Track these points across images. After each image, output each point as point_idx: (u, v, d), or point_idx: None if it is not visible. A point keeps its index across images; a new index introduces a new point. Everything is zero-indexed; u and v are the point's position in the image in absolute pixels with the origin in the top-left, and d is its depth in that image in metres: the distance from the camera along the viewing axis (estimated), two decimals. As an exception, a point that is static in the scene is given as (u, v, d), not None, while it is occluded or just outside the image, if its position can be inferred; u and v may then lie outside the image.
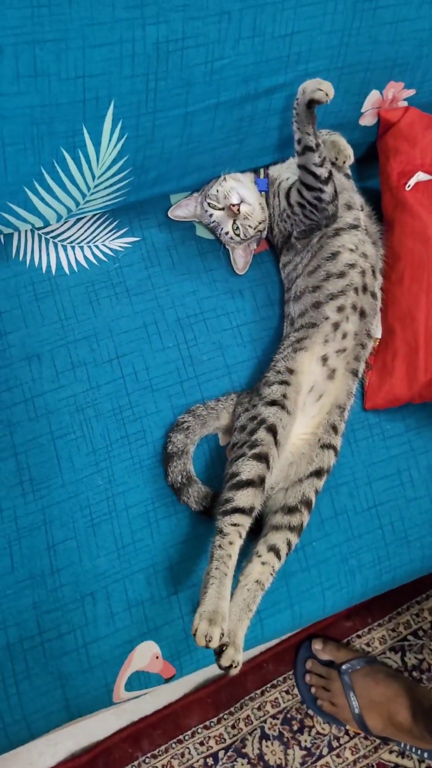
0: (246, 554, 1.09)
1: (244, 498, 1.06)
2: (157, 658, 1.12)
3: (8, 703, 1.05)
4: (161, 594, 1.13)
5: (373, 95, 1.30)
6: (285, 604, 1.19)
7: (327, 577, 1.21)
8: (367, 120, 1.35)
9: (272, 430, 1.11)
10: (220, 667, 0.97)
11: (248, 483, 1.07)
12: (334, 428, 1.18)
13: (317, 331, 1.19)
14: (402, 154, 1.30)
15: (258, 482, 1.08)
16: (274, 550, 1.09)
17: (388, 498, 1.26)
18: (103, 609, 1.11)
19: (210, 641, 0.94)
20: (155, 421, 1.20)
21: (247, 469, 1.08)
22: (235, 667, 0.98)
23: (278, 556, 1.09)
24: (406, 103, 1.35)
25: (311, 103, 1.13)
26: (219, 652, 0.98)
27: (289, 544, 1.11)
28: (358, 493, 1.25)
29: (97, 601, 1.11)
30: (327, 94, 1.12)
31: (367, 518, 1.25)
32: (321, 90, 1.11)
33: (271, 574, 1.08)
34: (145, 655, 1.11)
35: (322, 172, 1.17)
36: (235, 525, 1.04)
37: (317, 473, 1.15)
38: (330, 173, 1.18)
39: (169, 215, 1.31)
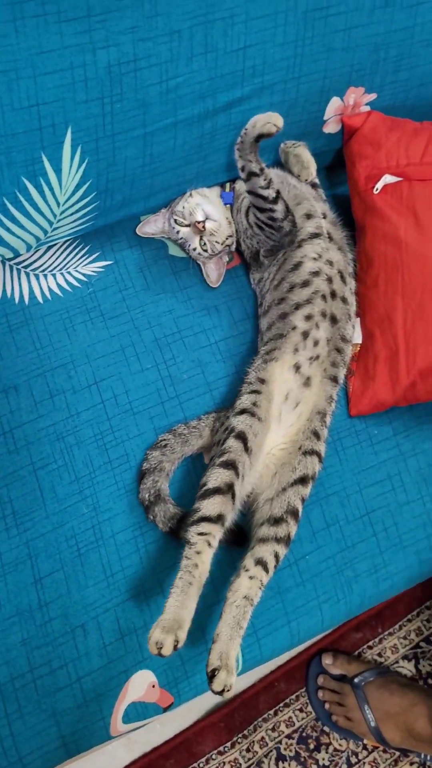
0: (234, 570, 1.07)
1: (210, 506, 1.05)
2: (153, 687, 1.10)
3: (2, 745, 1.03)
4: (154, 620, 1.09)
5: (334, 102, 1.30)
6: (281, 622, 1.16)
7: (323, 590, 1.19)
8: (331, 127, 1.35)
9: (241, 437, 1.10)
10: (212, 691, 0.95)
11: (215, 491, 1.06)
12: (316, 434, 1.17)
13: (285, 341, 1.18)
14: (367, 159, 1.29)
15: (225, 489, 1.06)
16: (261, 563, 1.07)
17: (380, 504, 1.24)
18: (95, 640, 1.09)
19: (161, 648, 0.93)
20: (138, 444, 1.19)
21: (214, 477, 1.07)
22: (228, 690, 0.96)
23: (266, 570, 1.07)
24: (368, 108, 1.35)
25: (259, 137, 1.16)
26: (211, 676, 0.96)
27: (276, 556, 1.08)
28: (349, 502, 1.23)
29: (88, 632, 1.09)
30: (277, 127, 1.15)
31: (359, 526, 1.22)
32: (270, 123, 1.15)
33: (260, 588, 1.06)
34: (141, 685, 1.09)
35: (270, 193, 1.18)
36: (202, 534, 1.03)
37: (302, 480, 1.13)
38: (278, 192, 1.19)
39: (138, 232, 1.31)
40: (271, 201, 1.18)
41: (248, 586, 1.05)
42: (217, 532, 1.04)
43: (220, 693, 0.95)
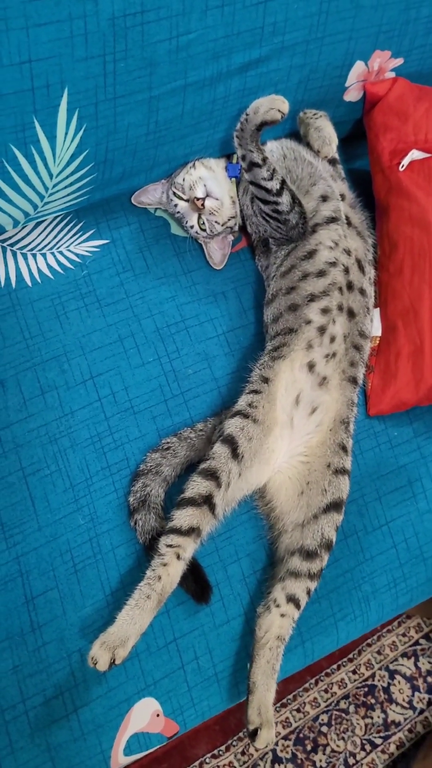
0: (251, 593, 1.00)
1: (182, 518, 0.98)
2: (157, 716, 1.01)
3: (-9, 785, 0.94)
4: (158, 643, 1.02)
5: (358, 67, 1.20)
6: (295, 642, 1.08)
7: (339, 607, 1.11)
8: (352, 95, 1.25)
9: (229, 442, 1.02)
10: (256, 749, 0.91)
11: (189, 501, 0.99)
12: (343, 448, 1.08)
13: (297, 337, 1.09)
14: (393, 131, 1.18)
15: (200, 501, 0.99)
16: (293, 600, 1.00)
17: (399, 513, 1.16)
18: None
19: (96, 664, 0.89)
20: (139, 447, 1.10)
21: (191, 486, 1.00)
22: (270, 744, 0.94)
23: (298, 607, 1.01)
24: (393, 74, 1.24)
25: (262, 125, 1.06)
26: (253, 734, 0.92)
27: (308, 592, 1.02)
28: (368, 511, 1.15)
29: (86, 658, 0.99)
30: (282, 113, 1.06)
31: (378, 537, 1.15)
32: (274, 109, 1.05)
33: (291, 626, 1.00)
34: (144, 715, 1.00)
35: (273, 185, 1.08)
36: (170, 546, 0.96)
37: (335, 506, 1.05)
38: (282, 184, 1.09)
39: (133, 201, 1.21)
40: (275, 193, 1.08)
41: (280, 624, 0.99)
42: (188, 545, 0.97)
43: (263, 748, 0.94)
